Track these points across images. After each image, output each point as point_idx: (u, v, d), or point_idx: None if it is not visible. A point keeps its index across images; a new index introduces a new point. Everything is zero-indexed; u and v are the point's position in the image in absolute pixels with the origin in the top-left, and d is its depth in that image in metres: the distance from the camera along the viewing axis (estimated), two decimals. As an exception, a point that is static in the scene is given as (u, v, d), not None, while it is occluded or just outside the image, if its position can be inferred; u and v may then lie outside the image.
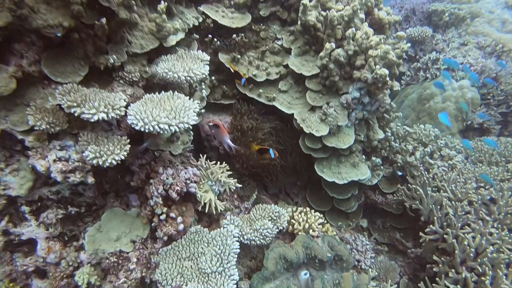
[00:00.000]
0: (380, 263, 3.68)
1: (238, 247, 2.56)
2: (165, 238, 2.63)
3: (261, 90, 3.38)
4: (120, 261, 2.67)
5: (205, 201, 2.67)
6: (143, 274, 2.62)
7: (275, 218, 2.91)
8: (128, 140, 2.39)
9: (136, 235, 2.72)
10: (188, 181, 2.68)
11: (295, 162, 3.63)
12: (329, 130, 3.19)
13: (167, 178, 2.56)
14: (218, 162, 2.85)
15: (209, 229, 2.81)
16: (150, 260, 2.66)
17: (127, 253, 2.69)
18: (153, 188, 2.55)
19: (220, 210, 2.75)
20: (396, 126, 4.32)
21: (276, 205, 3.03)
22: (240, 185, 2.97)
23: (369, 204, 4.10)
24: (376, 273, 3.57)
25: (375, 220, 4.16)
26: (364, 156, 3.57)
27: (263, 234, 2.74)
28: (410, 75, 5.67)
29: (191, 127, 3.02)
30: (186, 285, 2.42)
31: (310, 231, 3.09)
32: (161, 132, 2.21)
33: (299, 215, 3.16)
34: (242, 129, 3.22)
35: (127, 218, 2.75)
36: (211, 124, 3.18)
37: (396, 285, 3.45)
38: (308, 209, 3.32)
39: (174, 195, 2.56)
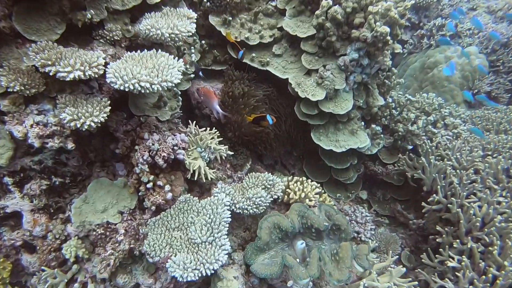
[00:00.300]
0: (381, 235, 3.55)
1: (229, 216, 2.42)
2: (153, 208, 2.48)
3: (254, 54, 3.19)
4: (107, 233, 2.53)
5: (194, 169, 2.52)
6: (131, 245, 2.49)
7: (269, 186, 2.76)
8: (109, 102, 2.21)
9: (124, 205, 2.58)
10: (175, 148, 2.51)
11: (290, 131, 3.47)
12: (326, 95, 3.01)
13: (153, 144, 2.40)
14: (208, 128, 2.68)
15: (200, 198, 2.66)
16: (139, 231, 2.52)
17: (115, 224, 2.55)
18: (138, 154, 2.39)
19: (211, 178, 2.60)
20: (397, 94, 4.13)
21: (271, 175, 2.88)
22: (232, 153, 2.81)
23: (369, 175, 3.95)
24: (377, 245, 3.45)
25: (375, 192, 4.02)
26: (363, 123, 3.40)
27: (256, 203, 2.60)
28: (413, 43, 5.43)
29: (175, 87, 2.86)
30: (175, 256, 2.28)
31: (307, 200, 2.94)
32: (143, 91, 2.03)
33: (295, 184, 3.01)
34: (233, 95, 3.04)
35: (114, 189, 2.61)
36: (199, 89, 3.01)
37: (397, 257, 3.32)
38: (304, 178, 3.17)
39: (160, 161, 2.40)
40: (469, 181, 3.03)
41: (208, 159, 2.63)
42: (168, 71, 2.11)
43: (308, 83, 3.05)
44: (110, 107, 2.18)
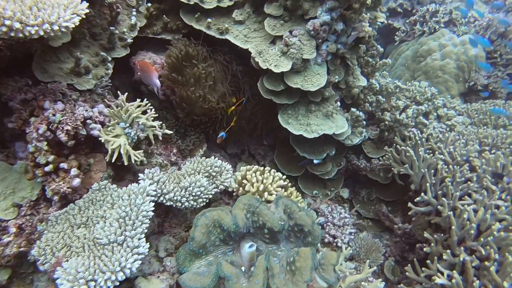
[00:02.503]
0: (362, 240, 2.88)
1: (151, 208, 1.77)
2: (55, 198, 1.85)
3: (210, 20, 2.56)
4: (-4, 232, 1.90)
5: (112, 147, 1.89)
6: (22, 248, 1.84)
7: (214, 174, 2.12)
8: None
9: (22, 196, 1.95)
10: (88, 121, 1.89)
11: (255, 113, 2.83)
12: (293, 65, 2.38)
13: (53, 115, 1.78)
14: (138, 100, 2.05)
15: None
16: (35, 229, 1.89)
17: (7, 221, 1.92)
18: (32, 128, 1.77)
19: (137, 160, 1.96)
20: (385, 81, 3.48)
21: (220, 160, 2.24)
22: (171, 132, 2.17)
23: (352, 171, 3.29)
24: (354, 252, 2.78)
25: (359, 191, 3.35)
26: (339, 104, 2.74)
27: (193, 194, 1.95)
28: (406, 30, 4.78)
29: (107, 57, 2.23)
30: (68, 261, 1.64)
31: (265, 194, 2.30)
32: (12, 34, 1.42)
33: (253, 174, 2.37)
34: (177, 61, 2.40)
35: (12, 175, 1.98)
36: (134, 63, 2.40)
37: (376, 268, 2.65)
38: (267, 168, 2.53)
39: (63, 137, 1.78)
40: (463, 179, 2.36)
41: (136, 138, 2.00)
42: (55, 11, 1.50)
43: (271, 52, 2.42)
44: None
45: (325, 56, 2.46)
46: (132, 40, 2.38)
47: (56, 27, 1.49)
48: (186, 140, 2.54)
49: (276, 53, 2.41)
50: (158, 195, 1.90)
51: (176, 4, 2.68)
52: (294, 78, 2.45)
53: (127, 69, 2.67)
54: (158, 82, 2.32)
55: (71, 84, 2.02)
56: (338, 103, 2.70)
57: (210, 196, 2.03)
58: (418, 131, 3.08)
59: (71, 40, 2.10)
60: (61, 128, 1.76)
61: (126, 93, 2.16)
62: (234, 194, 2.40)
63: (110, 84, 2.19)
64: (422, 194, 2.33)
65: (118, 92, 2.14)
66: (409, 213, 2.43)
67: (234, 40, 2.56)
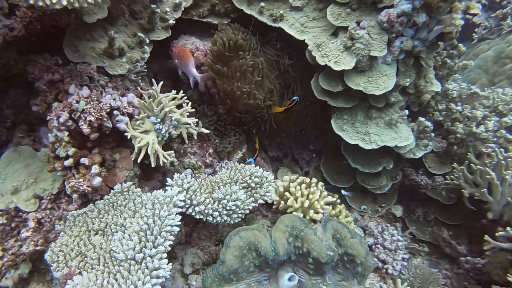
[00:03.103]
0: (416, 269, 2.48)
1: (177, 223, 1.48)
2: (74, 196, 1.61)
3: (263, 4, 2.22)
4: (12, 224, 1.70)
5: (139, 145, 1.61)
6: (39, 247, 1.63)
7: (253, 185, 1.80)
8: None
9: (43, 188, 1.73)
10: (116, 112, 1.62)
11: (306, 114, 2.48)
12: (357, 64, 1.99)
13: (77, 102, 1.52)
14: (174, 91, 1.76)
15: (146, 191, 1.77)
16: (54, 227, 1.67)
17: (27, 213, 1.71)
18: (53, 114, 1.52)
19: (166, 162, 1.67)
20: (459, 86, 2.98)
21: (261, 169, 1.91)
22: (207, 131, 1.87)
23: (408, 187, 2.86)
24: (408, 284, 2.38)
25: (414, 209, 2.91)
26: (407, 112, 2.31)
27: (227, 208, 1.65)
28: (489, 26, 4.11)
29: (145, 39, 1.95)
30: (81, 275, 1.40)
31: (311, 212, 1.95)
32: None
33: (298, 187, 2.03)
34: (222, 49, 2.08)
35: (35, 162, 1.77)
36: (172, 50, 2.12)
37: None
38: (314, 180, 2.17)
39: (86, 129, 1.52)
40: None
41: (167, 135, 1.71)
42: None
43: (331, 46, 2.04)
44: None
45: (397, 55, 2.05)
46: (174, 22, 2.09)
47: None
48: (225, 140, 2.23)
49: (338, 47, 2.03)
50: (187, 205, 1.61)
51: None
52: (356, 78, 2.06)
53: (168, 54, 2.40)
54: (195, 72, 2.03)
55: (102, 67, 1.76)
56: (406, 111, 2.27)
57: (247, 211, 1.72)
58: (502, 149, 2.58)
59: (107, 16, 1.84)
60: (83, 118, 1.50)
61: (162, 82, 1.87)
62: (274, 206, 2.07)
63: (145, 71, 1.91)
64: (509, 228, 1.89)
65: (153, 80, 1.85)
66: (485, 247, 2.01)
67: (289, 29, 2.20)
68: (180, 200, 1.56)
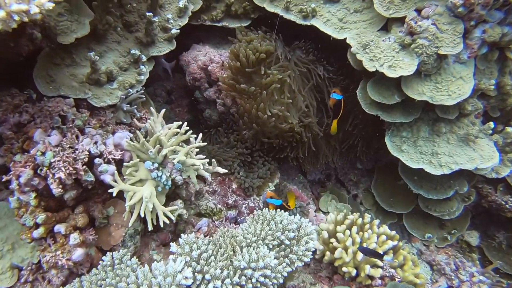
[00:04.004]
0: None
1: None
2: (53, 272, 1.22)
3: (290, -2, 1.71)
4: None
5: (130, 203, 1.18)
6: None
7: (288, 242, 1.31)
8: None
9: (22, 257, 1.35)
10: (98, 160, 1.20)
11: (350, 130, 1.94)
12: (419, 67, 1.44)
13: (42, 153, 1.11)
14: (176, 124, 1.31)
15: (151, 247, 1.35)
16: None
17: (3, 290, 1.34)
18: (11, 174, 1.13)
19: (168, 222, 1.23)
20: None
21: (296, 217, 1.42)
22: (225, 171, 1.40)
23: (484, 208, 2.24)
24: None
25: (494, 234, 2.29)
26: (493, 125, 1.70)
27: (253, 280, 1.17)
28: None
29: (141, 56, 1.52)
30: None
31: (367, 268, 1.43)
32: None
33: (346, 232, 1.52)
34: (243, 64, 1.61)
35: (13, 223, 1.39)
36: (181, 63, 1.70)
37: None
38: (367, 218, 1.64)
39: (54, 188, 1.11)
40: None
41: (170, 183, 1.27)
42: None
43: (383, 45, 1.49)
44: None
45: (477, 49, 1.46)
46: (178, 31, 1.63)
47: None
48: (252, 173, 1.75)
49: (392, 46, 1.48)
50: (198, 281, 1.15)
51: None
52: (418, 86, 1.50)
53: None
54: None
55: (85, 99, 1.35)
56: (491, 123, 1.65)
57: (281, 280, 1.24)
58: None
59: (92, 33, 1.42)
60: (51, 175, 1.09)
61: (164, 110, 1.43)
62: (316, 256, 1.57)
63: (143, 97, 1.48)
64: None
65: (151, 109, 1.41)
66: None
67: (324, 26, 1.68)
68: (186, 278, 1.11)
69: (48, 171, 1.08)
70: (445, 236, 2.25)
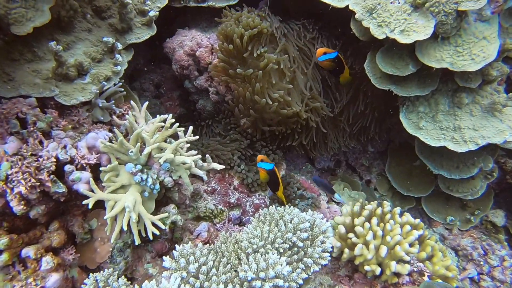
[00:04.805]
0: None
1: None
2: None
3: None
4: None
5: (111, 215, 0.97)
6: None
7: (301, 243, 1.10)
8: None
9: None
10: (69, 167, 0.99)
11: (359, 112, 1.72)
12: (436, 28, 1.21)
13: (-4, 164, 0.91)
14: (160, 116, 1.10)
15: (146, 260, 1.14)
16: None
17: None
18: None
19: (164, 228, 1.03)
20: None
21: (308, 213, 1.21)
22: (223, 166, 1.19)
23: (509, 185, 2.03)
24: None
25: (520, 211, 2.09)
26: (504, 91, 1.48)
27: (263, 297, 0.97)
28: None
29: (116, 44, 1.31)
30: None
31: (392, 264, 1.23)
32: None
33: (366, 224, 1.31)
34: (237, 44, 1.39)
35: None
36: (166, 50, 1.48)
37: None
38: (387, 207, 1.43)
39: (15, 205, 0.91)
40: None
41: (158, 186, 1.06)
42: None
43: (391, 7, 1.27)
44: None
45: (503, 2, 1.23)
46: (157, 13, 1.40)
47: None
48: (254, 166, 1.54)
49: (402, 7, 1.25)
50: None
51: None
52: (436, 51, 1.27)
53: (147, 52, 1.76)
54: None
55: (51, 97, 1.14)
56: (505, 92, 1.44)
57: (297, 289, 1.04)
58: None
59: (55, 21, 1.21)
60: (9, 190, 0.89)
61: (147, 103, 1.22)
62: (333, 254, 1.37)
63: (122, 90, 1.26)
64: None
65: (132, 102, 1.20)
66: None
67: (323, -5, 1.45)
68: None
69: (4, 186, 0.88)
70: (468, 218, 2.04)
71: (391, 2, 1.28)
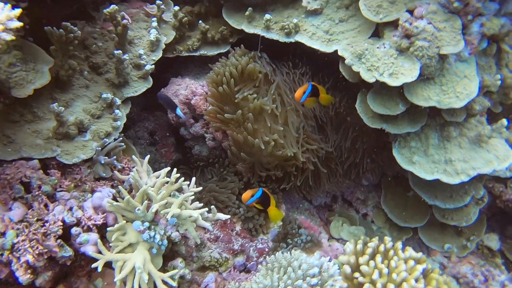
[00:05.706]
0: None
1: None
2: None
3: (268, 17, 1.56)
4: None
5: (120, 277, 0.96)
6: None
7: (311, 292, 1.09)
8: None
9: None
10: (76, 230, 0.97)
11: (350, 148, 1.76)
12: (422, 70, 1.28)
13: (1, 234, 0.88)
14: (164, 171, 1.11)
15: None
16: None
17: None
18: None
19: (174, 286, 1.01)
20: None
21: (315, 256, 1.21)
22: (228, 217, 1.19)
23: (499, 209, 2.08)
24: None
25: (512, 234, 2.13)
26: (506, 122, 1.55)
27: None
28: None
29: (115, 99, 1.32)
30: None
31: (402, 303, 1.23)
32: None
33: (370, 262, 1.31)
34: (227, 88, 1.43)
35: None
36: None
37: None
38: (388, 242, 1.44)
39: (21, 275, 0.87)
40: None
41: (165, 241, 1.05)
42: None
43: (378, 52, 1.34)
44: None
45: (477, 44, 1.32)
46: (152, 66, 1.44)
47: None
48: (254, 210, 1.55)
49: (388, 52, 1.32)
50: None
51: (215, 2, 1.72)
52: (423, 91, 1.34)
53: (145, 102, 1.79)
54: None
55: (53, 157, 1.13)
56: (504, 120, 1.50)
57: None
58: None
59: (54, 81, 1.23)
60: (15, 259, 0.86)
61: (148, 156, 1.22)
62: (341, 294, 1.36)
63: (122, 144, 1.27)
64: None
65: (133, 157, 1.21)
66: None
67: (310, 41, 1.52)
68: None
69: (10, 255, 0.85)
70: (464, 244, 2.06)
71: (378, 47, 1.36)
